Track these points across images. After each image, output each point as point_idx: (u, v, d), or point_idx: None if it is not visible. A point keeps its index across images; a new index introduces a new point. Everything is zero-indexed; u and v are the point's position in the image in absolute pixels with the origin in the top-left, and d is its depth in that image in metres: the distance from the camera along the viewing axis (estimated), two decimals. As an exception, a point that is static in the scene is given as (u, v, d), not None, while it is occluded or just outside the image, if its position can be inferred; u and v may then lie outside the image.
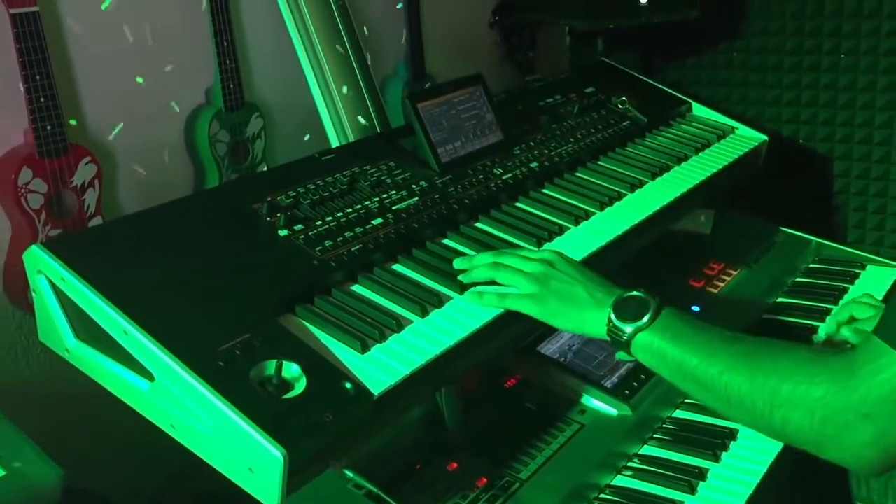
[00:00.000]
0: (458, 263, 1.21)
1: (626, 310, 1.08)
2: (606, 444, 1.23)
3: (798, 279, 1.77)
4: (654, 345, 1.05)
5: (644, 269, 1.66)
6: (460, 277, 1.17)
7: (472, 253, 1.27)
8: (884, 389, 0.88)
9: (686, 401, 1.36)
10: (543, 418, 1.27)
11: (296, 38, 1.59)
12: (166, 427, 0.98)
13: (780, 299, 1.68)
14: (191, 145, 1.60)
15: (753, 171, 1.91)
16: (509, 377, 1.36)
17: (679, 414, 1.34)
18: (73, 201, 1.39)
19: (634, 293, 1.09)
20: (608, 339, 1.10)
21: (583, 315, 1.11)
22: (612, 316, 1.08)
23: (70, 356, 1.06)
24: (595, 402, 1.31)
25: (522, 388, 1.34)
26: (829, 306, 1.63)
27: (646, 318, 1.06)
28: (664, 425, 1.31)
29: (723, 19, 2.31)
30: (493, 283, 1.17)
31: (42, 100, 1.30)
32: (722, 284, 1.69)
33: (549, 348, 1.40)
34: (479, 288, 1.16)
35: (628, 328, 1.07)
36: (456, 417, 1.18)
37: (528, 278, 1.14)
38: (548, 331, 1.42)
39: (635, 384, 1.34)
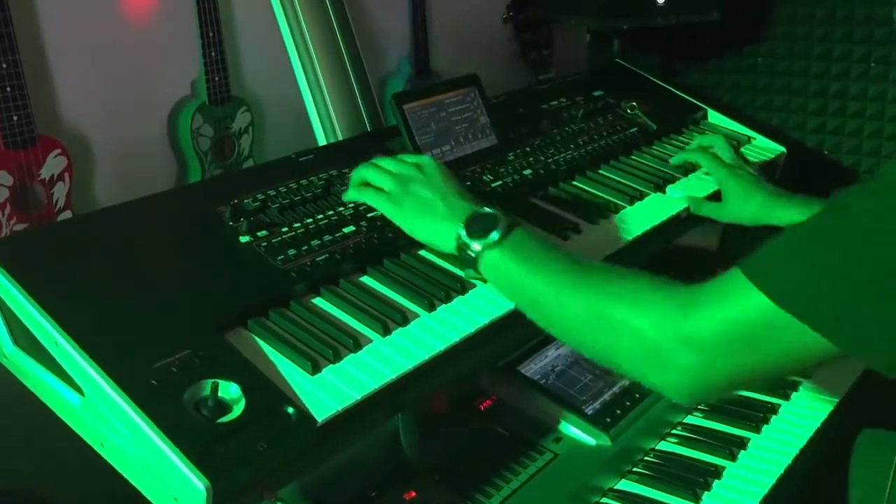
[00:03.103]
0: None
1: (477, 226, 1.06)
2: (580, 477, 1.15)
3: (810, 301, 1.67)
4: (501, 264, 1.03)
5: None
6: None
7: (446, 265, 1.20)
8: (719, 324, 0.84)
9: (673, 432, 1.28)
10: (515, 445, 1.19)
11: (284, 29, 1.53)
12: (96, 445, 0.93)
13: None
14: (173, 139, 1.55)
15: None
16: (485, 398, 1.29)
17: (663, 446, 1.25)
18: (41, 195, 1.34)
19: (489, 210, 1.07)
20: (457, 254, 1.08)
21: (434, 225, 1.10)
22: (462, 231, 1.06)
23: (8, 363, 1.01)
24: (573, 430, 1.23)
25: (497, 411, 1.26)
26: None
27: (495, 235, 1.03)
28: (646, 458, 1.23)
29: (748, 22, 2.20)
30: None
31: (8, 89, 1.25)
32: (726, 304, 1.59)
33: (531, 368, 1.33)
34: None
35: (476, 244, 1.04)
36: (413, 441, 1.11)
37: (393, 178, 1.15)
38: (530, 350, 1.35)
39: (618, 412, 1.26)
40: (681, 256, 1.70)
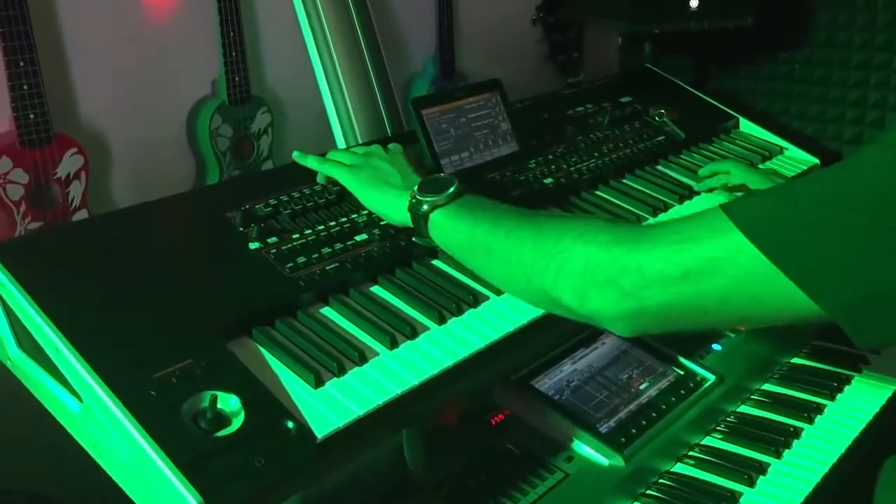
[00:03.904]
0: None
1: (429, 186, 1.10)
2: (590, 499, 1.12)
3: (839, 319, 1.61)
4: (449, 220, 1.06)
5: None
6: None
7: (460, 277, 1.17)
8: (677, 253, 0.81)
9: (689, 454, 1.24)
10: (525, 463, 1.16)
11: (306, 29, 1.51)
12: (95, 454, 0.92)
13: (815, 342, 1.53)
14: (192, 139, 1.54)
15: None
16: (497, 412, 1.26)
17: (679, 469, 1.21)
18: (56, 194, 1.33)
19: (443, 175, 1.13)
20: (409, 223, 1.11)
21: (389, 195, 1.15)
22: (416, 190, 1.10)
23: (12, 366, 1.01)
24: (586, 449, 1.20)
25: (508, 426, 1.23)
26: (867, 354, 1.48)
27: (446, 194, 1.07)
28: (660, 480, 1.19)
29: (785, 27, 2.14)
30: None
31: (25, 87, 1.25)
32: (751, 321, 1.54)
33: (545, 383, 1.29)
34: None
35: (427, 201, 1.07)
36: (418, 456, 1.09)
37: (355, 155, 1.23)
38: (545, 364, 1.31)
39: (634, 431, 1.22)
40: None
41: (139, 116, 1.48)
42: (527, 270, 0.96)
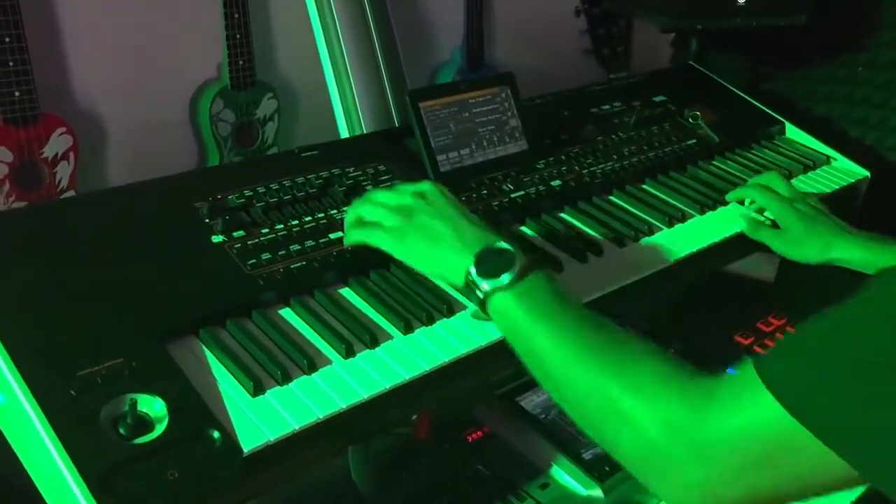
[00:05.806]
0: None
1: (488, 263, 0.93)
2: (561, 532, 1.04)
3: (877, 349, 1.47)
4: (510, 311, 0.91)
5: (682, 312, 1.44)
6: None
7: (444, 285, 1.09)
8: (733, 435, 0.72)
9: (681, 489, 1.14)
10: (494, 488, 1.08)
11: (312, 11, 1.44)
12: (21, 453, 0.87)
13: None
14: (194, 123, 1.50)
15: (846, 213, 1.60)
16: (476, 428, 1.18)
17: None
18: (43, 173, 1.31)
19: (504, 245, 0.94)
20: (466, 290, 0.96)
21: (443, 257, 0.97)
22: (472, 268, 0.93)
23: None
24: (564, 476, 1.11)
25: (484, 445, 1.15)
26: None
27: (506, 278, 0.91)
28: (642, 517, 1.10)
29: (847, 26, 1.97)
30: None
31: (11, 63, 1.22)
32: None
33: (532, 400, 1.21)
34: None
35: (485, 285, 0.92)
36: (367, 477, 1.02)
37: (393, 211, 1.01)
38: (532, 381, 1.22)
39: (620, 460, 1.12)
40: (729, 285, 1.53)
41: (139, 98, 1.44)
42: (586, 417, 0.85)
